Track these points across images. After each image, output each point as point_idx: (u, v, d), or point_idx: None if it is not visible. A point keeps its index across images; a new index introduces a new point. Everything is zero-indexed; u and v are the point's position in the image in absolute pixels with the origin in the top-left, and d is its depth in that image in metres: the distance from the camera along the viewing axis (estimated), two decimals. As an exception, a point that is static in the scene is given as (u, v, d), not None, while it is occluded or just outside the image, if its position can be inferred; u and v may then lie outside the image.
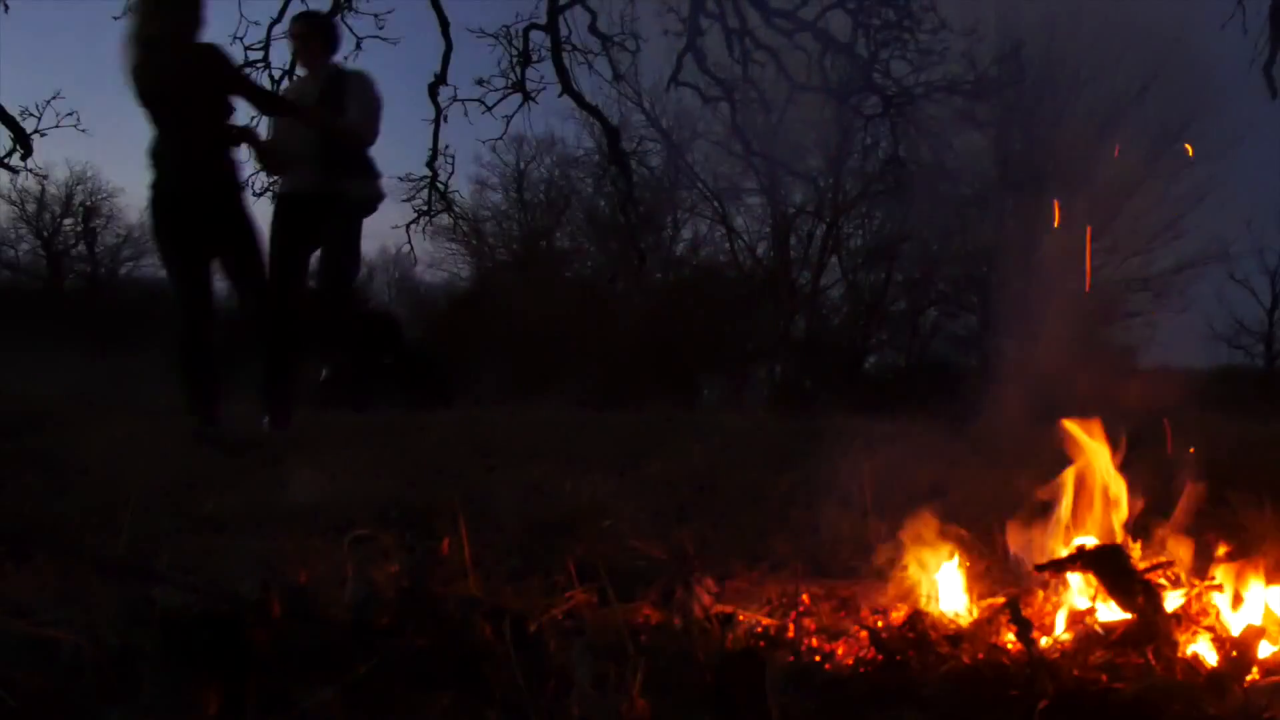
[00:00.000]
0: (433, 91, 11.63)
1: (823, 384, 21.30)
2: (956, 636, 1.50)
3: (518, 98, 11.36)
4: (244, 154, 5.16)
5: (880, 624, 1.64)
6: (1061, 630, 1.62)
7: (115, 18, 10.29)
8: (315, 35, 5.67)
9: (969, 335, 23.06)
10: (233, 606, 1.22)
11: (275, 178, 6.15)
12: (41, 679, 1.18)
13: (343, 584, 1.43)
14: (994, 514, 2.22)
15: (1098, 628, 1.58)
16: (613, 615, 1.43)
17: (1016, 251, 21.14)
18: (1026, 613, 1.59)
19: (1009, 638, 1.53)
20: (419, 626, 1.26)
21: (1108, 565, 1.65)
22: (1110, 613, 1.63)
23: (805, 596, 1.74)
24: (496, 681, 1.22)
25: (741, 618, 1.56)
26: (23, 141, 10.30)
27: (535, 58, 11.18)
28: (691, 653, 1.37)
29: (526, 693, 1.22)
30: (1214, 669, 1.47)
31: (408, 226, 12.61)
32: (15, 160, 10.64)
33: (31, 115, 10.39)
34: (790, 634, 1.57)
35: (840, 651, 1.52)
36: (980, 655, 1.46)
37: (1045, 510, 1.93)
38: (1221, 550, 1.80)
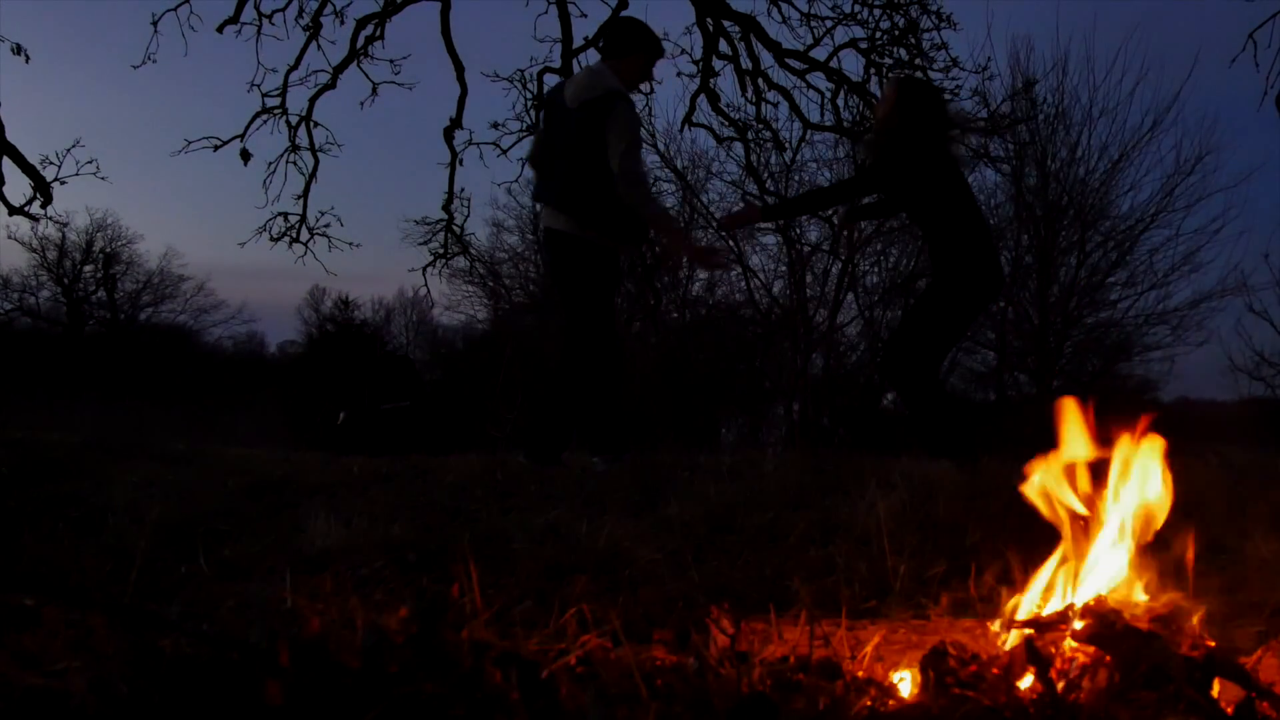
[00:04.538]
0: (448, 135, 11.76)
1: (840, 421, 21.23)
2: (975, 677, 1.48)
3: (532, 140, 11.47)
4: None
5: (899, 666, 1.62)
6: (1079, 668, 1.59)
7: (134, 66, 10.52)
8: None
9: (987, 371, 23.00)
10: (242, 654, 1.21)
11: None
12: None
13: (354, 629, 1.42)
14: (1016, 551, 2.19)
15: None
16: (626, 658, 1.42)
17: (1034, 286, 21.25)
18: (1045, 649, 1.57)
19: (1029, 678, 1.51)
20: (429, 673, 1.24)
21: (1099, 623, 1.60)
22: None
23: (820, 635, 1.72)
24: (508, 728, 1.21)
25: (757, 660, 1.54)
26: (43, 189, 10.44)
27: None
28: (706, 696, 1.35)
29: (538, 739, 1.20)
30: (1240, 707, 1.44)
31: (424, 269, 12.74)
32: (35, 208, 10.79)
33: (52, 164, 10.55)
34: (805, 678, 1.54)
35: (855, 694, 1.50)
36: (1002, 699, 1.44)
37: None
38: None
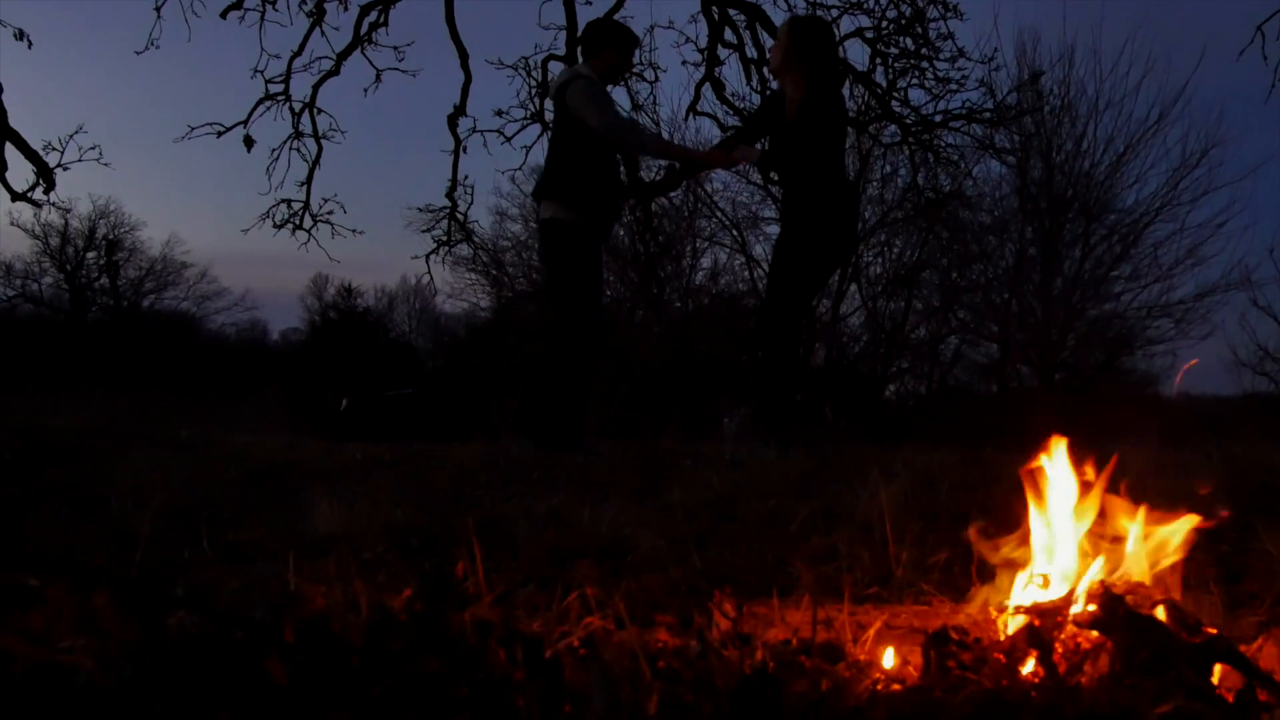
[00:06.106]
0: (452, 123, 11.75)
1: (843, 412, 21.24)
2: (977, 661, 1.48)
3: (537, 128, 11.47)
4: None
5: (900, 649, 1.62)
6: (1081, 653, 1.60)
7: (138, 52, 10.51)
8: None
9: (990, 363, 23.00)
10: (246, 632, 1.22)
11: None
12: (55, 708, 1.18)
13: (358, 611, 1.42)
14: (1016, 539, 2.20)
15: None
16: (629, 640, 1.42)
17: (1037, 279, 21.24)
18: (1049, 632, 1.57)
19: (1031, 662, 1.51)
20: (433, 651, 1.25)
21: (1102, 609, 1.60)
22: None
23: (823, 619, 1.72)
24: (511, 708, 1.21)
25: (759, 643, 1.54)
26: (46, 175, 10.44)
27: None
28: (709, 677, 1.36)
29: (541, 719, 1.21)
30: (1240, 694, 1.44)
31: (427, 257, 12.75)
32: (38, 194, 10.79)
33: (54, 150, 10.55)
34: (807, 660, 1.55)
35: (857, 676, 1.50)
36: (1004, 682, 1.44)
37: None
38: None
